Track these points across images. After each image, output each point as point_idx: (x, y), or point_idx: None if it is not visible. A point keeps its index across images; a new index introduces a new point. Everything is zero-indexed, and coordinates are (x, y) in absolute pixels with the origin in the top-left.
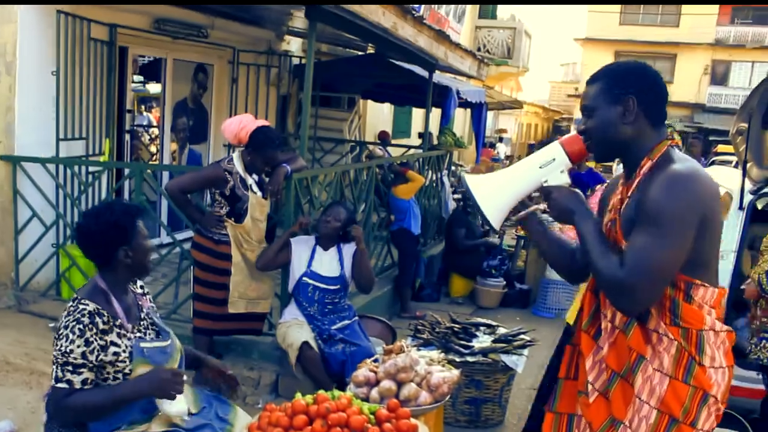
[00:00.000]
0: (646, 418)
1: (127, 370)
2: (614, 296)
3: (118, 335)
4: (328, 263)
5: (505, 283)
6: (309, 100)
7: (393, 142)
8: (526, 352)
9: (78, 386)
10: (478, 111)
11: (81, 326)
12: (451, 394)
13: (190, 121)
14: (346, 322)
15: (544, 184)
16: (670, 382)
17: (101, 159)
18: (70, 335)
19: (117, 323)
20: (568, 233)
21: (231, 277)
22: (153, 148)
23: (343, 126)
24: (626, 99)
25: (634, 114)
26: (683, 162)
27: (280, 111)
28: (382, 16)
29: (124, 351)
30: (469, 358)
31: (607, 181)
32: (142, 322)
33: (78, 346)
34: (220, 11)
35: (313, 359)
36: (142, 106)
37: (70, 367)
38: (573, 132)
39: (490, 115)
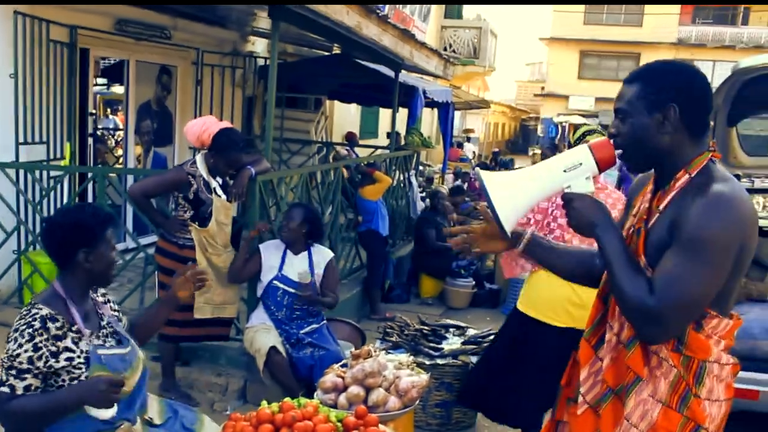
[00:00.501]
0: None
1: (82, 377)
2: (640, 323)
3: (74, 341)
4: (299, 267)
5: (474, 283)
6: (273, 101)
7: (361, 142)
8: None
9: (20, 392)
10: (444, 110)
11: (31, 330)
12: (421, 398)
13: (154, 124)
14: (315, 326)
15: (566, 190)
16: (663, 408)
17: (62, 163)
18: (19, 338)
19: (73, 329)
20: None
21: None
22: (119, 152)
23: (310, 127)
24: (668, 107)
25: (675, 124)
26: (726, 182)
27: (246, 112)
28: (346, 15)
29: (79, 357)
30: (439, 361)
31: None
32: (102, 330)
33: (26, 351)
34: (182, 12)
35: (281, 364)
36: (108, 109)
37: (14, 372)
38: (603, 137)
39: (457, 114)
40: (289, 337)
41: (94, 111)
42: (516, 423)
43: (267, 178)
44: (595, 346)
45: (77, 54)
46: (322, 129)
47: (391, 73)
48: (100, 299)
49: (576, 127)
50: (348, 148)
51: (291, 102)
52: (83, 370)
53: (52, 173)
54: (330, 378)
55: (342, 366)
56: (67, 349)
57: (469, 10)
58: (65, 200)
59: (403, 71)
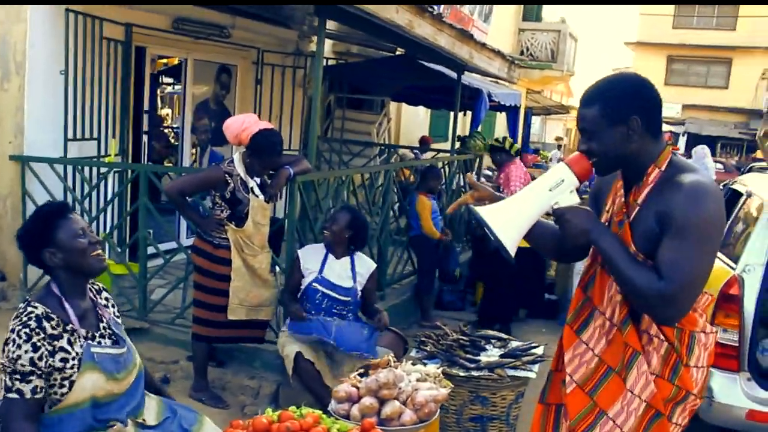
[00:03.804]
0: (635, 410)
1: (74, 377)
2: (657, 308)
3: (69, 341)
4: (339, 272)
5: None
6: (318, 100)
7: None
8: (536, 368)
9: (28, 395)
10: (513, 114)
11: (27, 330)
12: (455, 411)
13: (212, 123)
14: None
15: (555, 207)
16: (656, 379)
17: (107, 160)
18: (17, 340)
19: (68, 327)
20: None
21: (231, 283)
22: None
23: (371, 129)
24: (630, 119)
25: (639, 132)
26: (695, 172)
27: (307, 113)
28: (396, 14)
29: (73, 359)
30: (474, 373)
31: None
32: (99, 330)
33: (26, 352)
34: (241, 11)
35: (308, 370)
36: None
37: (18, 376)
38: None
39: (537, 120)
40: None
41: (148, 109)
42: None
43: (307, 179)
44: (577, 330)
45: (132, 52)
46: (385, 131)
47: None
48: (102, 301)
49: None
50: (416, 151)
51: (356, 103)
52: (75, 370)
53: (101, 169)
54: (344, 387)
55: (360, 375)
56: (62, 349)
57: (549, 13)
58: (109, 196)
59: (470, 73)
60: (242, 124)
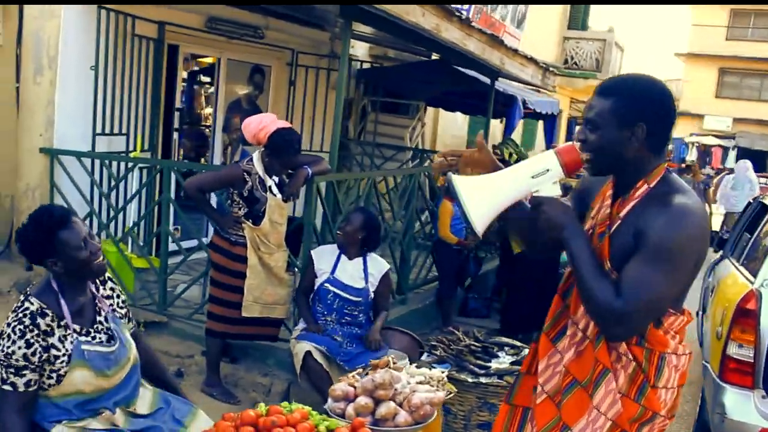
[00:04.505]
0: (600, 428)
1: (62, 372)
2: (606, 324)
3: (60, 339)
4: (352, 272)
5: None
6: (341, 104)
7: None
8: None
9: (21, 389)
10: (550, 123)
11: (22, 327)
12: (463, 417)
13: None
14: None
15: (535, 194)
16: (622, 398)
17: (132, 155)
18: (12, 335)
19: (62, 323)
20: None
21: (246, 281)
22: None
23: (404, 133)
24: (636, 126)
25: (641, 141)
26: (685, 194)
27: (343, 116)
28: (422, 17)
29: (64, 355)
30: (483, 380)
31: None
32: (95, 326)
33: (19, 348)
34: (274, 11)
35: (317, 369)
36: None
37: (12, 370)
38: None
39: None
40: (334, 340)
41: (180, 107)
42: None
43: (326, 179)
44: (554, 339)
45: (165, 50)
46: (418, 136)
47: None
48: (107, 292)
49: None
50: None
51: (391, 107)
52: (65, 366)
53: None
54: (341, 386)
55: (359, 375)
56: (53, 346)
57: (598, 21)
58: (134, 191)
59: (507, 80)
60: (260, 123)
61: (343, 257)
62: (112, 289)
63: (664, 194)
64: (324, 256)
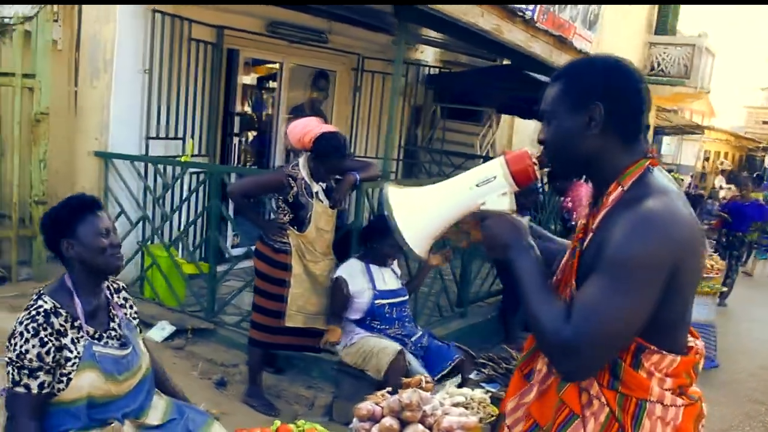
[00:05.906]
0: None
1: (72, 375)
2: (555, 357)
3: (73, 340)
4: (387, 278)
5: None
6: (395, 108)
7: None
8: None
9: (35, 391)
10: None
11: (35, 325)
12: None
13: None
14: (419, 333)
15: (482, 207)
16: None
17: (182, 159)
18: (25, 333)
19: (76, 323)
20: None
21: (290, 289)
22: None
23: (474, 140)
24: (593, 107)
25: (601, 125)
26: (661, 196)
27: (412, 122)
28: (481, 18)
29: (75, 357)
30: None
31: None
32: (108, 331)
33: (33, 346)
34: (337, 15)
35: (404, 370)
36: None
37: (26, 371)
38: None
39: (672, 140)
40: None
41: (240, 111)
42: None
43: (376, 186)
44: (527, 376)
45: (224, 54)
46: (489, 143)
47: None
48: (121, 300)
49: None
50: None
51: (461, 114)
52: (75, 368)
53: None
54: (367, 405)
55: (390, 393)
56: (65, 347)
57: (688, 26)
58: (184, 195)
59: None
60: (305, 128)
61: (373, 267)
62: (125, 299)
63: (636, 198)
64: (355, 277)
